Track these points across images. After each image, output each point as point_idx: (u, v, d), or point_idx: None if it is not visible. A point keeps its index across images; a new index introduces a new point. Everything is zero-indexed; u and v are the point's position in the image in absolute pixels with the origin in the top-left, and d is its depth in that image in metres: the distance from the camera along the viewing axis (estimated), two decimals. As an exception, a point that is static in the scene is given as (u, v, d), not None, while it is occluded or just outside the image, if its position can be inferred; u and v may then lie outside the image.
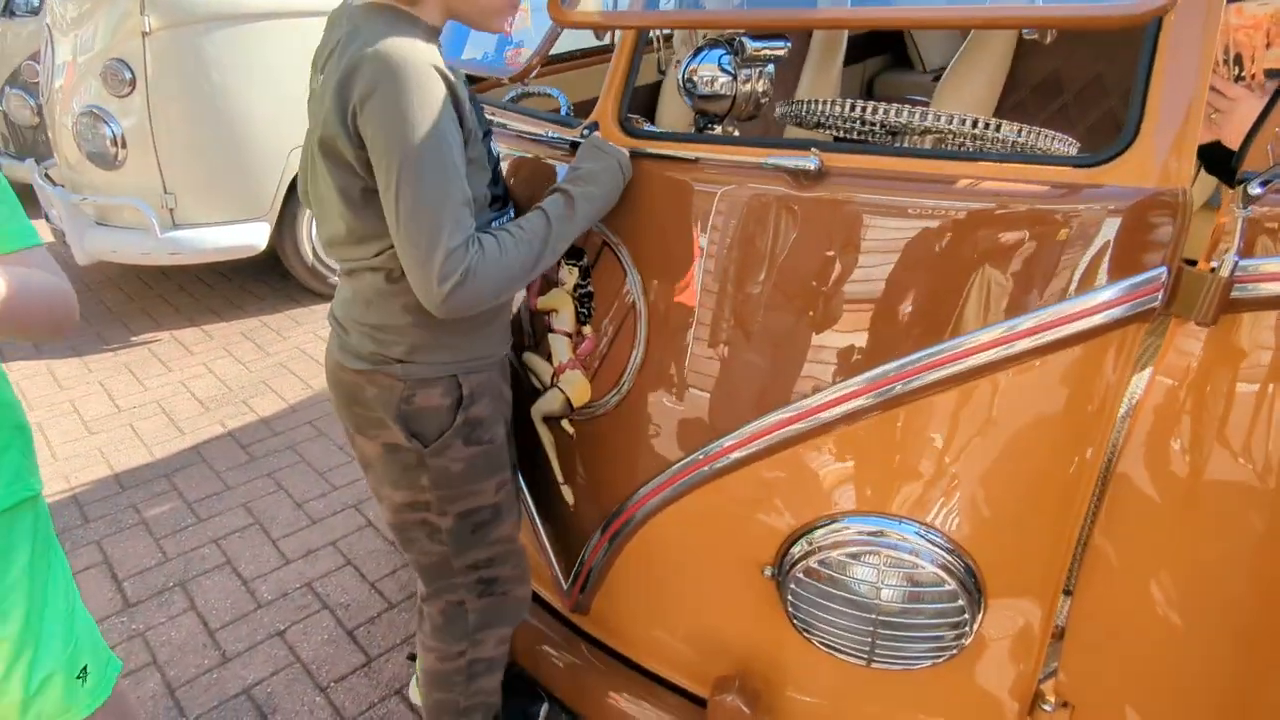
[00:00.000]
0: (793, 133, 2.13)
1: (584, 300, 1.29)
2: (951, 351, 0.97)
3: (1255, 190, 0.80)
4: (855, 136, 1.40)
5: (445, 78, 0.99)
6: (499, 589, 1.31)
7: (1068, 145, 1.18)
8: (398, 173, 0.96)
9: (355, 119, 0.98)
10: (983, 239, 0.96)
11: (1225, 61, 1.12)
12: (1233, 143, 1.07)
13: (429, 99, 0.96)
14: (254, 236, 3.58)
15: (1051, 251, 0.92)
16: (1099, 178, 0.91)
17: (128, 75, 3.27)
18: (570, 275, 1.30)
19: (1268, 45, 1.11)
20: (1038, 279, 0.93)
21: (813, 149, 1.03)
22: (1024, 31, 1.89)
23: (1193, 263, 0.90)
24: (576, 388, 1.32)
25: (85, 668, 1.05)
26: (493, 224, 1.14)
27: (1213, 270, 0.86)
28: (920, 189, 1.00)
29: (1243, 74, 1.12)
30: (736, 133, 1.30)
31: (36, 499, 1.03)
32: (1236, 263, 0.84)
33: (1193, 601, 1.01)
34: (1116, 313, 0.91)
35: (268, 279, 4.13)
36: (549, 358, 1.36)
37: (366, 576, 2.08)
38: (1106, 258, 0.91)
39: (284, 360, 3.33)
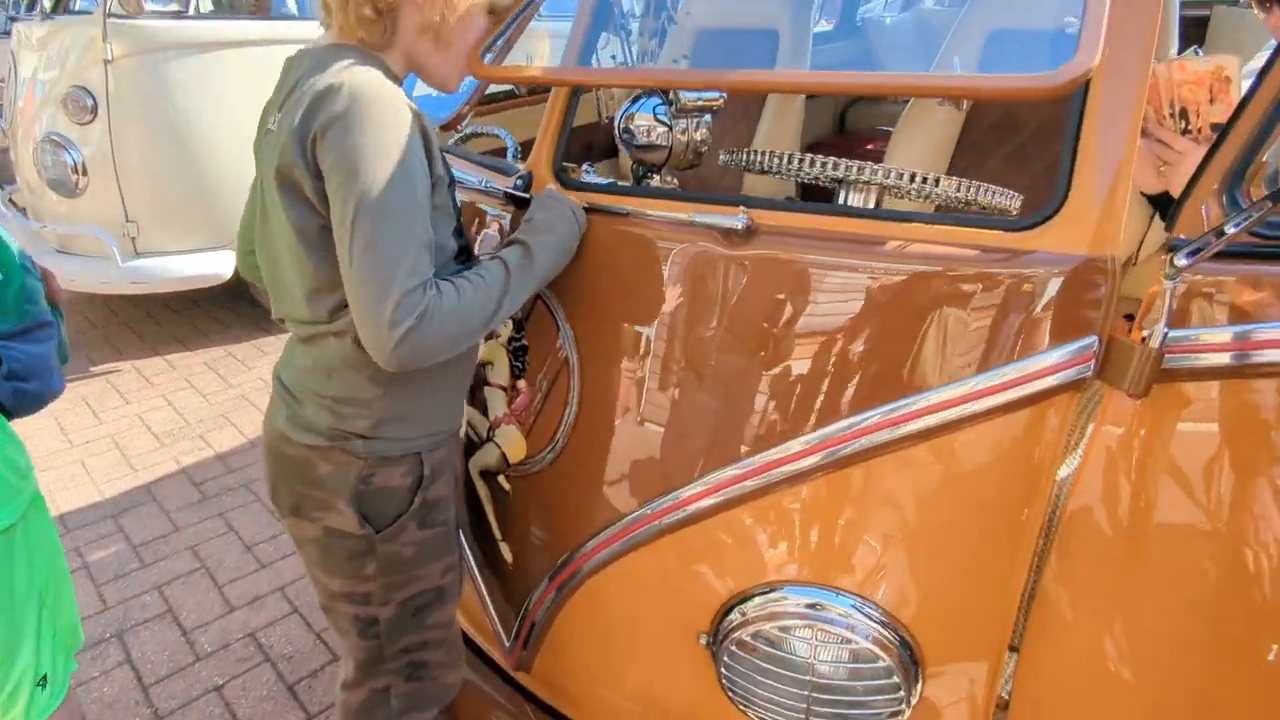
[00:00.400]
0: (751, 180, 2.11)
1: (518, 354, 1.25)
2: (875, 421, 0.94)
3: (1182, 261, 0.77)
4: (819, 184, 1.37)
5: (416, 114, 0.94)
6: (429, 674, 1.22)
7: (1010, 199, 1.15)
8: (356, 203, 0.88)
9: (315, 145, 0.91)
10: (909, 303, 0.92)
11: (1172, 115, 1.11)
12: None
13: (396, 131, 0.91)
14: (219, 265, 3.53)
15: (979, 319, 0.89)
16: (1029, 243, 0.89)
17: (89, 103, 3.23)
18: (504, 328, 1.26)
19: (1211, 100, 1.09)
20: (964, 346, 0.90)
21: (741, 207, 0.99)
22: (938, 100, 1.90)
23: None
24: (512, 443, 1.28)
25: (45, 676, 1.15)
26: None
27: (1143, 340, 0.83)
28: (851, 250, 0.96)
29: (1189, 128, 1.10)
30: (675, 182, 1.27)
31: (9, 530, 1.09)
32: (1166, 334, 0.81)
33: (1141, 661, 0.97)
34: (1050, 381, 0.88)
35: (235, 306, 4.06)
36: (485, 410, 1.31)
37: (312, 625, 2.01)
38: (1039, 325, 0.87)
39: (245, 393, 3.27)
